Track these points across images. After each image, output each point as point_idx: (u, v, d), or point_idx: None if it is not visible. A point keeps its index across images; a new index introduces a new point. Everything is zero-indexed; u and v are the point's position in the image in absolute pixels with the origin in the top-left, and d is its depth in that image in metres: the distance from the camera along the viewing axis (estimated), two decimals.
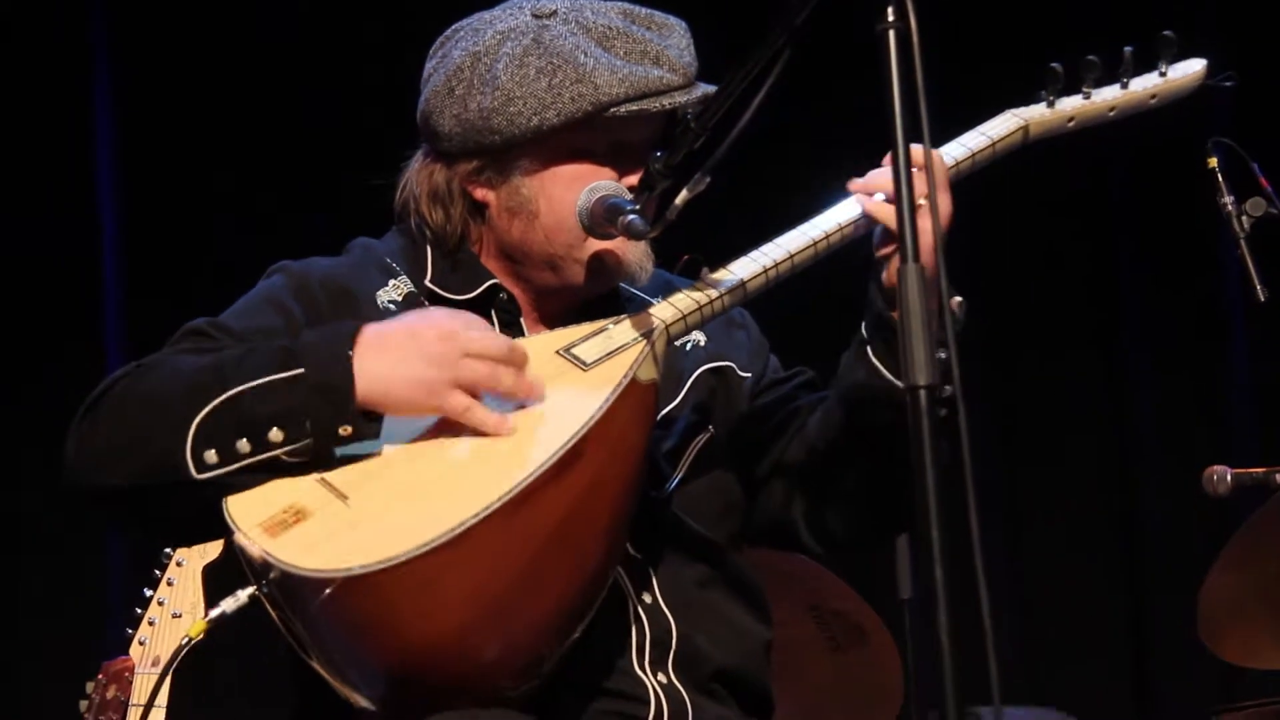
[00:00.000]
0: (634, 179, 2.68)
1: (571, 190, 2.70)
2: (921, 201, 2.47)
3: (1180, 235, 5.40)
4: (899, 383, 2.30)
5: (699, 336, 2.84)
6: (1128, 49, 2.82)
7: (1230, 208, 3.81)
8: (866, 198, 2.66)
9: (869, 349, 2.66)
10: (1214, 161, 3.82)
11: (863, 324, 2.68)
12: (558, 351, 2.60)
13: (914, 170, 2.30)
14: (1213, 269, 5.37)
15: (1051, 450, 5.58)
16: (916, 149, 2.30)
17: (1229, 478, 3.90)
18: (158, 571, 3.76)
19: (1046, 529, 5.56)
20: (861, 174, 2.69)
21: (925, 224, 2.46)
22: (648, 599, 2.67)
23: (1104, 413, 5.61)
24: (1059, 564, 5.54)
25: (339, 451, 2.46)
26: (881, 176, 2.65)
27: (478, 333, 2.51)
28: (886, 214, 2.61)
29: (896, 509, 2.75)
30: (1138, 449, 5.56)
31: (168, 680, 3.19)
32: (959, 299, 2.60)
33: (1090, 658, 5.49)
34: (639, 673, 2.64)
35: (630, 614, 2.66)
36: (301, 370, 2.44)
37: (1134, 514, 5.56)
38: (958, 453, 2.18)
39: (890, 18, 2.21)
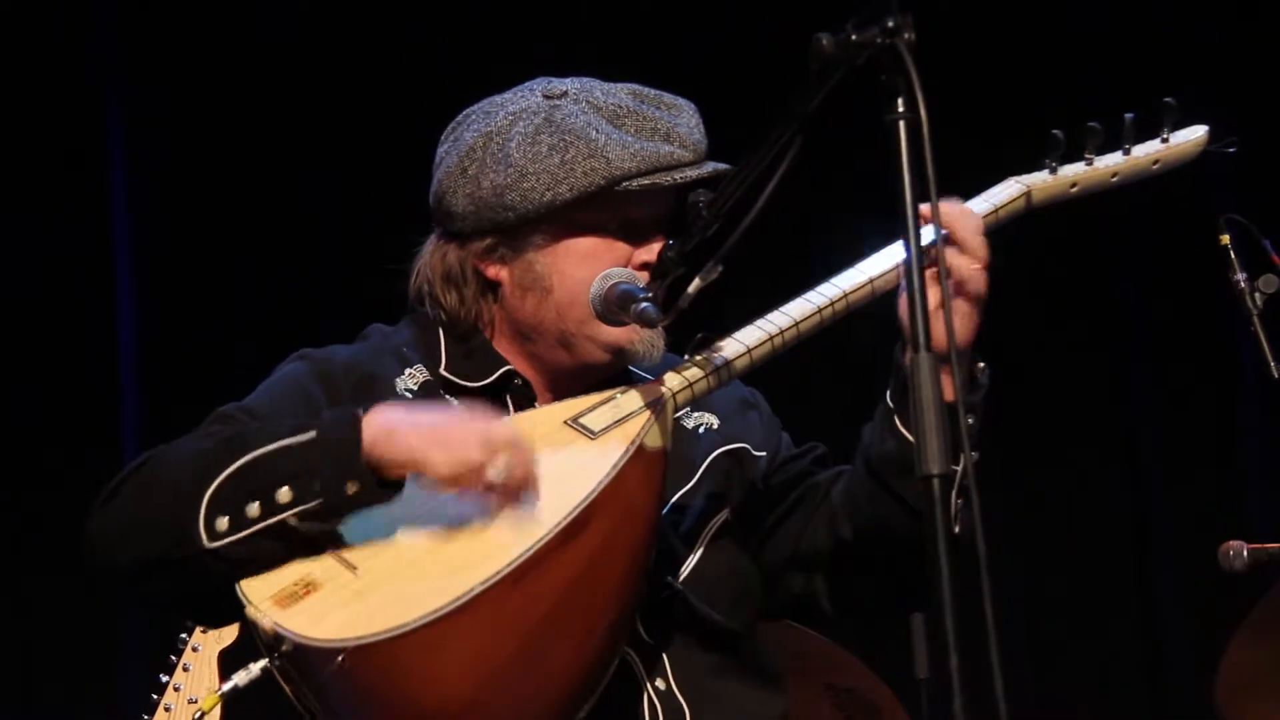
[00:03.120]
0: (644, 255, 2.71)
1: (584, 266, 2.71)
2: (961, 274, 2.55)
3: (1193, 312, 5.40)
4: None
5: (712, 420, 2.84)
6: (1129, 115, 2.81)
7: (1243, 284, 3.82)
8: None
9: (896, 419, 2.62)
10: (1226, 238, 3.83)
11: (887, 392, 2.65)
12: (566, 421, 2.60)
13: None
14: (1226, 346, 5.36)
15: (1068, 527, 5.56)
16: (950, 210, 2.43)
17: (1245, 553, 3.90)
18: (173, 657, 3.75)
19: (1064, 605, 5.54)
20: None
21: (963, 305, 2.55)
22: (661, 685, 2.67)
23: (1121, 489, 5.60)
24: (1077, 641, 5.52)
25: (353, 523, 2.47)
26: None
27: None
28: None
29: (923, 577, 2.74)
30: (1154, 525, 5.54)
31: None
32: (981, 364, 2.63)
33: None
34: None
35: (644, 701, 2.65)
36: (313, 434, 2.46)
37: (1151, 590, 5.54)
38: (972, 538, 2.19)
39: (900, 108, 2.23)
